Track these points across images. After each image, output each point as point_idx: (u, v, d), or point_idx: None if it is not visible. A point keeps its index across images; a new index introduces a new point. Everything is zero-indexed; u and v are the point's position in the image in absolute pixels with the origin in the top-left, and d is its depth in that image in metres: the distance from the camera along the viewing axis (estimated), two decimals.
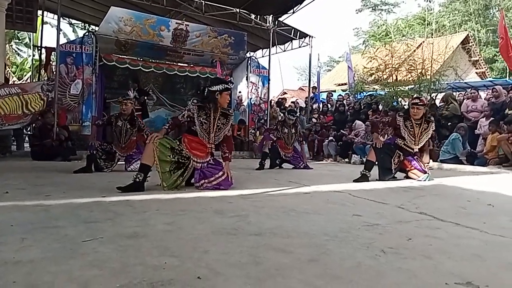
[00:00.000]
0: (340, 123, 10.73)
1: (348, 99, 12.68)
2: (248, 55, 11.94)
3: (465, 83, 12.91)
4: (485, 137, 7.67)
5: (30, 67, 17.47)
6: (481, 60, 21.82)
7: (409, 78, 11.16)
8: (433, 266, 1.64)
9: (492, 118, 7.76)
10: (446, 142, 7.97)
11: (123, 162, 5.70)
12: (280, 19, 11.69)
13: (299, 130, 7.30)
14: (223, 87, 3.95)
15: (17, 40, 23.02)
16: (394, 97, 10.91)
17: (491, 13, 27.54)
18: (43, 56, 11.96)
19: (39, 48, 12.16)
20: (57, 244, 1.82)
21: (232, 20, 11.03)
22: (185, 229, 2.19)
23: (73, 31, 21.80)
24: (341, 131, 10.10)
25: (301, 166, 7.01)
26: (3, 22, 8.51)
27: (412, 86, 10.89)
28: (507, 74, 17.26)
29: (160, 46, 9.96)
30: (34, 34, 14.12)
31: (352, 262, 1.67)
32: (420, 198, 3.63)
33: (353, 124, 9.80)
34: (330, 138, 10.06)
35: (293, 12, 11.42)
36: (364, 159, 6.26)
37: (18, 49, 24.10)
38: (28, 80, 14.99)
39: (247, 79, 11.26)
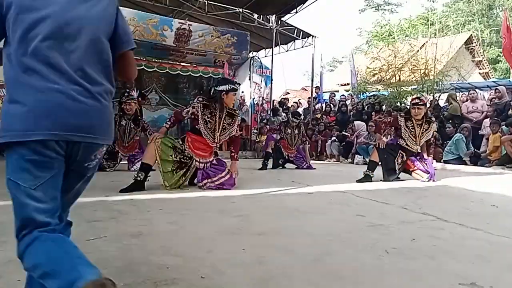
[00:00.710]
0: (343, 123, 10.71)
1: (351, 99, 12.66)
2: (251, 55, 11.94)
3: (468, 83, 12.88)
4: (488, 138, 7.65)
5: None
6: (484, 60, 21.73)
7: (412, 78, 11.13)
8: (437, 267, 1.63)
9: (495, 119, 7.72)
10: (449, 143, 7.95)
11: (126, 162, 5.71)
12: (283, 19, 11.68)
13: (302, 131, 7.29)
14: (229, 87, 3.95)
15: None
16: (397, 97, 10.89)
17: (494, 13, 27.43)
18: None
19: None
20: None
21: (235, 20, 11.03)
22: (189, 229, 2.19)
23: None
24: (343, 132, 10.09)
25: (304, 166, 7.00)
26: None
27: (415, 86, 10.86)
28: (511, 74, 17.20)
29: (163, 45, 9.96)
30: None
31: (355, 262, 1.66)
32: (424, 198, 3.62)
33: (353, 125, 9.78)
34: (333, 138, 10.05)
35: (296, 12, 11.41)
36: (367, 160, 6.25)
37: None
38: None
39: (250, 79, 11.26)
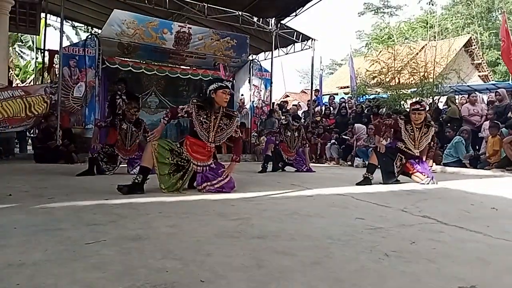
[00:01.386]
0: (342, 126, 10.72)
1: (350, 102, 12.68)
2: (250, 58, 11.96)
3: (468, 86, 12.89)
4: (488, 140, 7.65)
5: (33, 70, 17.55)
6: (484, 63, 21.78)
7: (411, 81, 11.15)
8: (436, 270, 1.63)
9: (494, 122, 7.73)
10: (449, 146, 7.95)
11: (126, 165, 5.70)
12: (282, 22, 11.71)
13: (302, 134, 7.30)
14: (217, 85, 3.92)
15: (20, 43, 23.15)
16: (397, 100, 10.90)
17: (493, 16, 27.50)
18: (46, 59, 11.99)
19: (42, 50, 12.20)
20: (60, 246, 1.83)
21: (235, 23, 11.06)
22: (188, 232, 2.18)
23: (76, 34, 21.94)
24: (343, 135, 10.09)
25: (304, 169, 7.00)
26: (6, 25, 8.55)
27: (415, 89, 10.88)
28: (510, 77, 17.22)
29: (162, 49, 9.99)
30: (37, 36, 14.15)
31: (355, 266, 1.66)
32: (423, 201, 3.62)
33: (353, 128, 9.78)
34: (333, 141, 10.05)
35: (296, 15, 11.45)
36: (367, 162, 6.25)
37: (21, 51, 24.24)
38: (31, 83, 15.04)
39: (249, 82, 11.28)
